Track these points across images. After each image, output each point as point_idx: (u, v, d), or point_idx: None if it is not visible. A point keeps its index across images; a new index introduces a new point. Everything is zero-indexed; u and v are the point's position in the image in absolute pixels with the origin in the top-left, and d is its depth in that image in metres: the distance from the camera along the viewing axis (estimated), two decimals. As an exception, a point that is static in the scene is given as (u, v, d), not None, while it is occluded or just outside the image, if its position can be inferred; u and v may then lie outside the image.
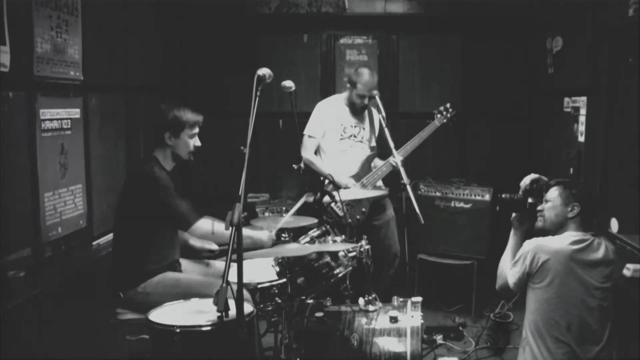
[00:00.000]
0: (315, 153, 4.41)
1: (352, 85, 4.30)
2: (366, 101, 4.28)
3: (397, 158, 3.66)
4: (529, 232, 3.14)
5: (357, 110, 4.36)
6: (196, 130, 3.30)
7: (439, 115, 4.41)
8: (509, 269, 3.01)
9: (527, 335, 2.93)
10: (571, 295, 2.83)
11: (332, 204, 3.98)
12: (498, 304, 4.65)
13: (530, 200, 3.12)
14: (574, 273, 2.83)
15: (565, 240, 2.90)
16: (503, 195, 3.21)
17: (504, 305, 4.66)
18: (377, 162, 4.40)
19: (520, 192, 3.16)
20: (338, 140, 4.37)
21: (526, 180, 3.17)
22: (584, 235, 2.90)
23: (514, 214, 3.17)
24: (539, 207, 3.08)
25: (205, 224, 3.19)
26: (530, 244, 2.94)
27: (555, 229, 2.99)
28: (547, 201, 3.05)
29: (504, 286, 3.05)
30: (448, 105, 4.44)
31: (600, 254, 2.87)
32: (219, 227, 3.17)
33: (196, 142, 3.31)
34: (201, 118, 3.32)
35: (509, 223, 3.21)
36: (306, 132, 4.37)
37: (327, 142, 4.38)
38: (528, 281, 2.93)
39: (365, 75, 4.24)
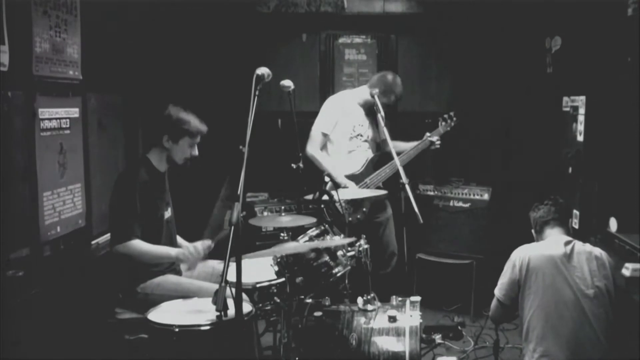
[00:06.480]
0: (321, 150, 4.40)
1: (385, 91, 4.33)
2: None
3: (397, 161, 3.64)
4: (518, 242, 3.21)
5: (372, 110, 4.35)
6: (197, 139, 3.21)
7: (443, 123, 4.55)
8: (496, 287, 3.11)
9: (526, 346, 2.95)
10: (563, 298, 2.86)
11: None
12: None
13: None
14: (562, 274, 2.89)
15: (550, 244, 3.01)
16: None
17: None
18: (403, 146, 4.42)
19: None
20: (347, 140, 4.38)
21: None
22: (567, 238, 3.03)
23: None
24: None
25: (129, 247, 3.01)
26: (516, 253, 3.06)
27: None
28: None
29: (494, 308, 3.15)
30: (452, 113, 4.58)
31: (584, 254, 2.96)
32: (144, 250, 3.05)
33: (194, 151, 3.21)
34: (205, 129, 3.21)
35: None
36: (319, 128, 4.37)
37: (335, 140, 4.38)
38: (519, 291, 2.98)
39: (400, 86, 4.41)
